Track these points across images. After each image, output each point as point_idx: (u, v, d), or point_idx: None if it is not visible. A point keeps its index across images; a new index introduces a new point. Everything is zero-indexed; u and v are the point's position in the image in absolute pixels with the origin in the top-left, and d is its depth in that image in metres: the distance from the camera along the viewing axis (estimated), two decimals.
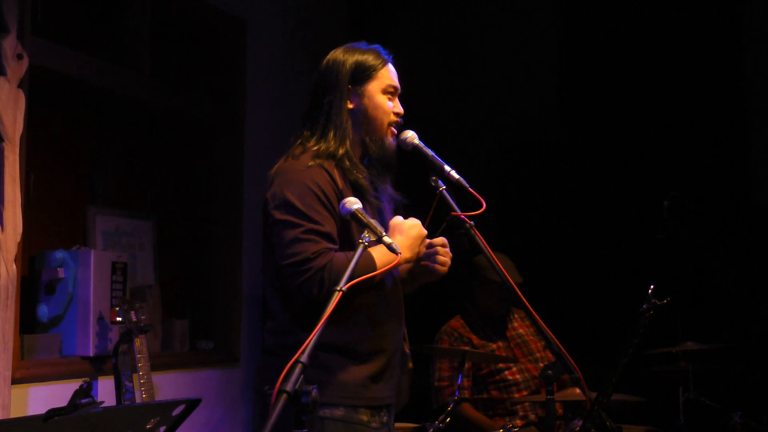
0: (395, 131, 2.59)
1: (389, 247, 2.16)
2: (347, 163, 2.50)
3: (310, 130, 2.56)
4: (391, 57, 2.62)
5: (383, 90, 2.57)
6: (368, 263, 2.31)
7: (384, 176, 2.59)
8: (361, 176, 2.51)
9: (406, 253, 2.41)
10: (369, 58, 2.57)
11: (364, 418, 2.45)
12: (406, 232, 2.45)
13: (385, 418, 2.53)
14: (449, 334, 4.28)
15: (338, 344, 2.40)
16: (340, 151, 2.50)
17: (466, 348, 4.05)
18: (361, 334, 2.45)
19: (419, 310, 4.89)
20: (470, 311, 4.35)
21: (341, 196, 2.39)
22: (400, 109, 2.60)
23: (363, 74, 2.56)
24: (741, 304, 4.89)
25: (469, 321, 4.33)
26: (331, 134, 2.51)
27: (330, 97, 2.54)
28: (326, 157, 2.48)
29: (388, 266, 2.21)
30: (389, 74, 2.59)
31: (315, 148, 2.50)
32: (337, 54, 2.59)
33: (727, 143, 5.51)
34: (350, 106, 2.56)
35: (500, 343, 4.31)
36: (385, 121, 2.57)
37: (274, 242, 2.42)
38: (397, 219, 2.50)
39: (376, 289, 2.44)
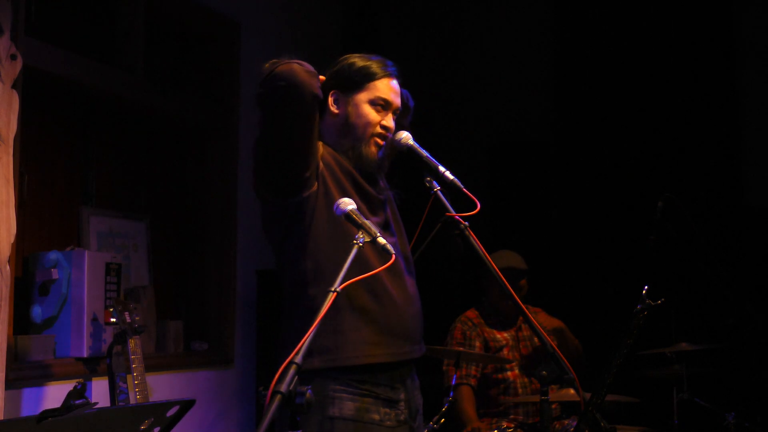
0: (381, 142, 2.57)
1: (384, 249, 2.15)
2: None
3: None
4: (395, 72, 2.60)
5: (370, 101, 2.55)
6: None
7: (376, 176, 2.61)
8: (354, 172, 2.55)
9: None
10: (366, 69, 2.56)
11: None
12: None
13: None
14: (463, 323, 4.47)
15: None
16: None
17: (474, 344, 4.36)
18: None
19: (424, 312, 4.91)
20: (484, 305, 4.54)
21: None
22: (388, 123, 2.56)
23: (353, 83, 2.55)
24: (734, 305, 4.90)
25: (483, 314, 4.51)
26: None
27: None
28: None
29: (384, 266, 2.18)
30: (384, 88, 2.56)
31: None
32: (345, 60, 2.60)
33: (721, 144, 5.53)
34: (336, 111, 2.57)
35: (509, 339, 4.44)
36: (368, 132, 2.55)
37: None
38: None
39: None
